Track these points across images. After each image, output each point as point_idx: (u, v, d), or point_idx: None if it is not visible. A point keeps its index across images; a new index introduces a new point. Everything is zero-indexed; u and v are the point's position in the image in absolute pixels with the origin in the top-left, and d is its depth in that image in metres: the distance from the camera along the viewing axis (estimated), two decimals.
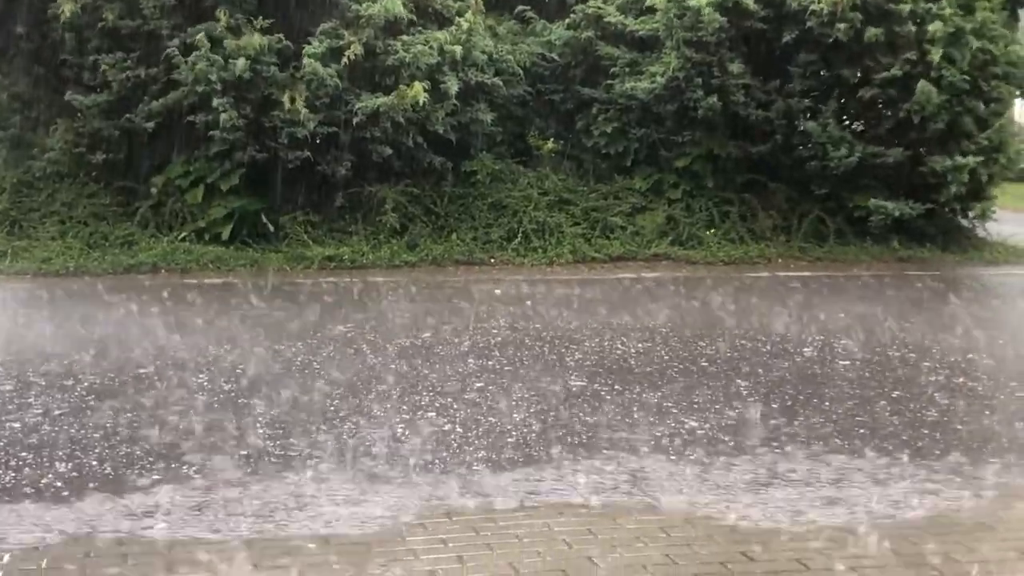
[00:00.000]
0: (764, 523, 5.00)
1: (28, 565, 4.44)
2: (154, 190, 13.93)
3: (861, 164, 14.53)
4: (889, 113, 14.78)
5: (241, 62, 13.17)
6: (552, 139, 16.27)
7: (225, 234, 13.67)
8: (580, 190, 15.21)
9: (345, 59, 13.59)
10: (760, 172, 15.32)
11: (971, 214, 15.71)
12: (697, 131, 15.06)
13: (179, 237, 13.64)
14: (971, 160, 14.45)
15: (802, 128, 14.82)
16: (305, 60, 13.41)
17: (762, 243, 14.88)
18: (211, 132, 13.38)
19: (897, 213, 14.52)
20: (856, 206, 14.84)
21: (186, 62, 13.32)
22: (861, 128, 15.21)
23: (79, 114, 13.99)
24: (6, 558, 4.52)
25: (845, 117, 15.21)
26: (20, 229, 13.69)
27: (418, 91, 13.59)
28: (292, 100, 13.50)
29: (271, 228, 13.82)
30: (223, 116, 13.16)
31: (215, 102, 13.22)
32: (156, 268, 13.03)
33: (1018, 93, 15.46)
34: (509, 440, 6.36)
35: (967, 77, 14.27)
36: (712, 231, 14.92)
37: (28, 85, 14.54)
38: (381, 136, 13.80)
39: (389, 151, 13.90)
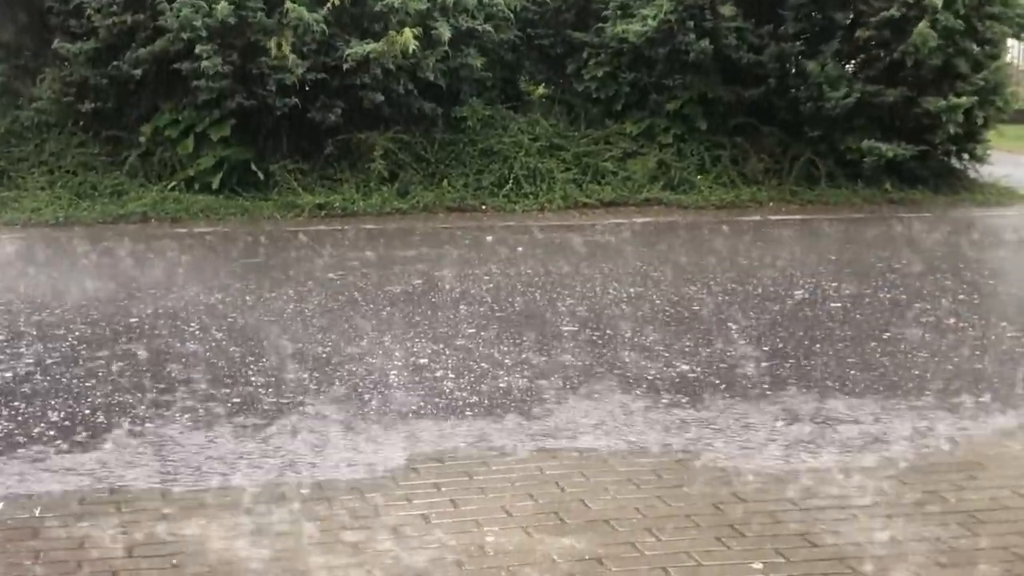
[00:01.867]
0: (756, 464, 5.02)
1: (22, 513, 4.45)
2: (143, 139, 13.85)
3: (857, 105, 14.46)
4: (883, 54, 14.69)
5: (223, 6, 13.00)
6: (543, 84, 16.15)
7: (215, 183, 13.61)
8: (571, 135, 15.14)
9: (330, 4, 13.47)
10: (752, 116, 15.25)
11: (966, 156, 15.66)
12: (689, 75, 14.96)
13: (169, 186, 13.58)
14: (966, 100, 14.39)
15: (799, 69, 14.73)
16: (288, 5, 13.28)
17: (753, 187, 14.84)
18: (197, 81, 13.28)
19: (891, 154, 14.47)
20: (849, 148, 14.79)
21: (171, 8, 13.20)
22: (854, 70, 15.13)
23: (66, 62, 13.87)
24: (1, 506, 4.52)
25: (839, 58, 15.12)
26: (8, 179, 13.62)
27: (408, 38, 13.48)
28: (279, 46, 13.39)
29: (261, 176, 13.76)
30: (206, 63, 13.05)
31: (199, 48, 13.11)
32: (146, 218, 12.99)
33: (1011, 33, 15.36)
34: (501, 385, 6.37)
35: (962, 20, 14.19)
36: (703, 175, 14.88)
37: (14, 33, 14.39)
38: (371, 83, 13.71)
39: (380, 98, 13.81)
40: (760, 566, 3.91)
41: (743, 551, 4.05)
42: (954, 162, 15.73)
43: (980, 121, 14.98)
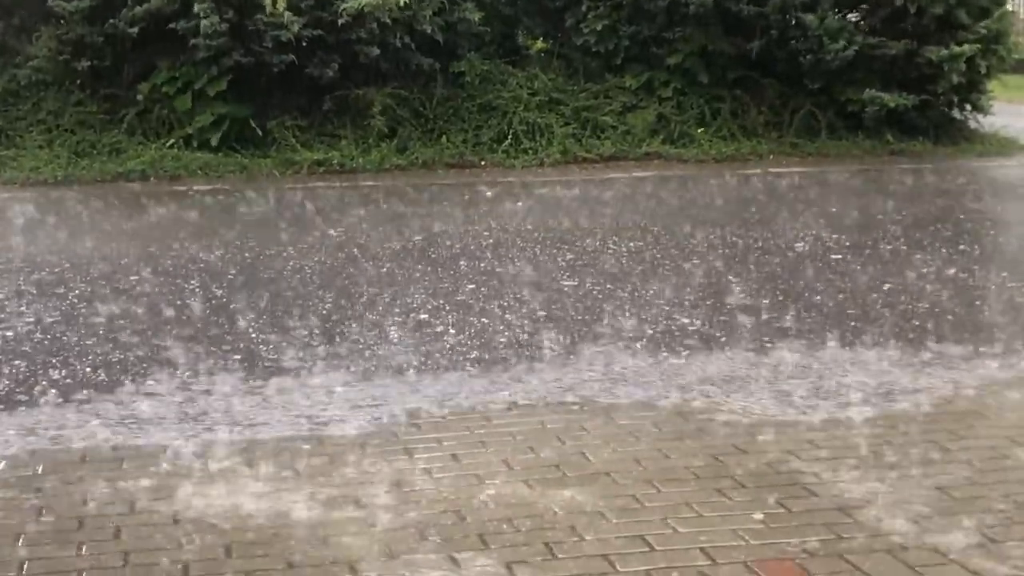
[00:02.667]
0: (756, 416, 5.03)
1: (23, 471, 4.46)
2: (140, 97, 13.79)
3: (857, 56, 14.39)
4: (884, 4, 14.60)
5: None
6: (541, 38, 16.09)
7: (213, 140, 13.58)
8: (570, 89, 15.07)
9: None
10: (752, 68, 15.17)
11: (968, 107, 15.60)
12: (689, 27, 14.88)
13: (167, 144, 13.55)
14: (968, 49, 14.32)
15: (798, 21, 14.65)
16: None
17: (753, 140, 14.80)
18: (195, 39, 13.21)
19: (892, 104, 14.40)
20: (849, 100, 14.73)
21: None
22: (856, 20, 15.04)
23: (62, 20, 13.79)
24: (1, 464, 4.54)
25: (839, 8, 15.03)
26: (7, 138, 13.58)
27: None
28: (274, 2, 13.32)
29: (259, 133, 13.72)
30: (204, 22, 12.99)
31: (196, 7, 13.04)
32: (145, 176, 12.96)
33: None
34: (501, 340, 6.38)
35: None
36: (703, 129, 14.83)
37: None
38: (367, 37, 13.65)
39: (376, 52, 13.74)
40: (761, 516, 3.93)
41: (744, 502, 4.06)
42: (955, 113, 15.66)
43: (982, 71, 14.91)
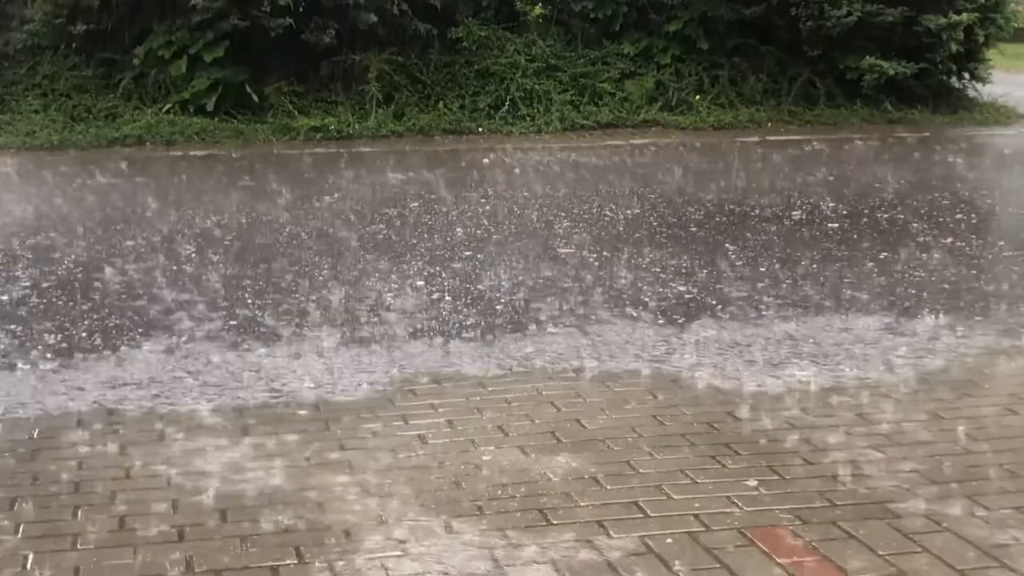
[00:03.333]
0: (751, 384, 5.03)
1: (19, 435, 4.46)
2: (136, 61, 13.73)
3: (857, 24, 14.33)
4: None
5: None
6: (539, 4, 16.00)
7: (209, 105, 13.52)
8: (568, 56, 15.01)
9: None
10: (751, 35, 15.11)
11: (966, 75, 15.56)
12: None
13: (163, 109, 13.51)
14: (966, 18, 14.27)
15: None
16: None
17: (752, 107, 14.76)
18: (192, 3, 13.14)
19: (891, 72, 14.37)
20: (848, 67, 14.69)
21: None
22: None
23: None
24: None
25: None
26: (2, 103, 13.54)
27: None
28: None
29: (256, 99, 13.67)
30: None
31: None
32: (141, 141, 12.93)
33: None
34: (497, 307, 6.37)
35: None
36: (701, 96, 14.79)
37: None
38: (365, 2, 13.58)
39: (374, 18, 13.68)
40: (755, 483, 3.93)
41: (738, 469, 4.07)
42: (954, 81, 15.63)
43: (980, 39, 14.87)
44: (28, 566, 3.35)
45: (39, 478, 4.05)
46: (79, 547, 3.48)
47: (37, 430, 4.52)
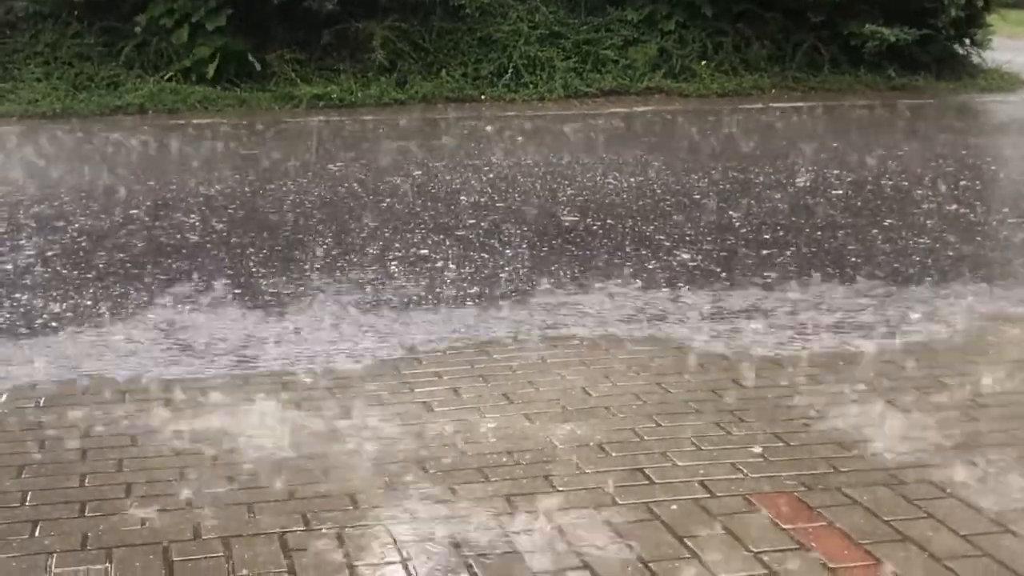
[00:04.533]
0: (755, 351, 5.04)
1: (25, 403, 4.48)
2: (138, 29, 13.68)
3: None
4: None
5: None
6: None
7: (211, 74, 13.48)
8: (571, 23, 14.94)
9: None
10: (755, 1, 15.03)
11: (968, 41, 15.51)
12: None
13: (165, 77, 13.47)
14: None
15: None
16: None
17: (756, 74, 14.71)
18: None
19: (893, 38, 14.31)
20: (851, 33, 14.63)
21: None
22: None
23: None
24: (3, 396, 4.55)
25: None
26: (4, 71, 13.50)
27: None
28: None
29: (258, 67, 13.62)
30: None
31: None
32: (143, 109, 12.91)
33: None
34: (502, 275, 6.38)
35: None
36: (705, 63, 14.73)
37: None
38: None
39: None
40: (759, 450, 3.94)
41: (743, 436, 4.08)
42: (956, 47, 15.57)
43: (981, 3, 14.81)
44: (36, 533, 3.36)
45: (46, 445, 4.06)
46: (86, 514, 3.50)
47: (43, 398, 4.53)
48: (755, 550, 3.22)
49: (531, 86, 14.06)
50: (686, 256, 6.74)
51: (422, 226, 7.50)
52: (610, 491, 3.62)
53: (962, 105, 13.88)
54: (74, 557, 3.22)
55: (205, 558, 3.21)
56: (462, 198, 8.40)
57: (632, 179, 9.13)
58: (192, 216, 7.85)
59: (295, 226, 7.55)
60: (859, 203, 8.15)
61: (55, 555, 3.23)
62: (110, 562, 3.18)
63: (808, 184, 8.88)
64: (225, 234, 7.36)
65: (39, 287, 6.18)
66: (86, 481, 3.75)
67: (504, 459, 3.89)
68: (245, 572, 3.12)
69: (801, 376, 4.72)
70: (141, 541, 3.32)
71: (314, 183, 8.98)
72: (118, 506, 3.56)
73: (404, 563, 3.17)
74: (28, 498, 3.62)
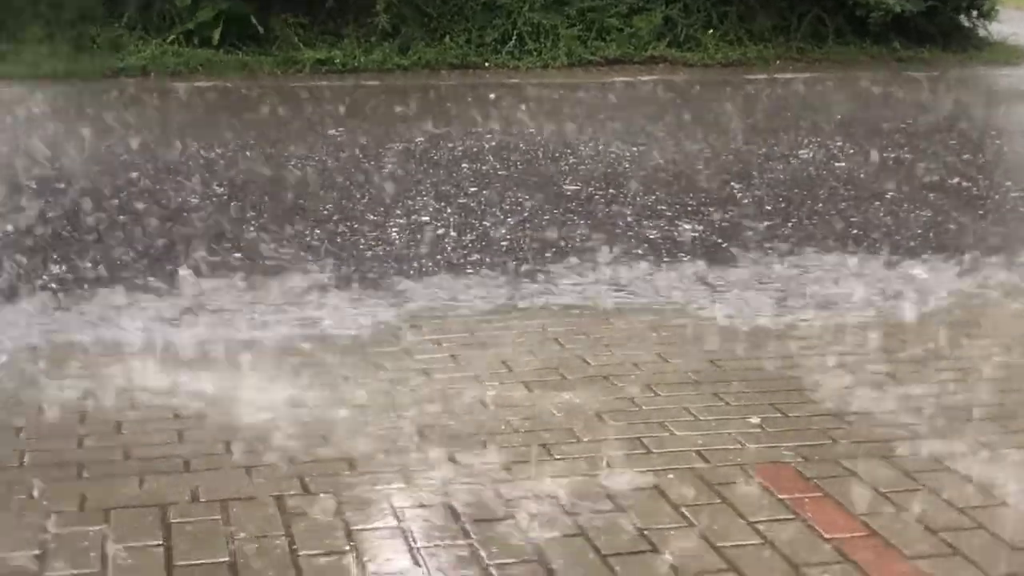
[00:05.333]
0: (754, 322, 5.04)
1: (24, 365, 4.48)
2: None
3: None
4: None
5: None
6: None
7: (214, 37, 13.44)
8: None
9: None
10: None
11: (974, 13, 15.44)
12: None
13: (168, 40, 13.42)
14: None
15: None
16: None
17: (760, 44, 14.65)
18: None
19: (899, 9, 14.25)
20: (857, 4, 14.56)
21: None
22: None
23: None
24: (3, 358, 4.56)
25: None
26: (7, 33, 13.44)
27: None
28: None
29: (261, 31, 13.58)
30: None
31: None
32: (145, 72, 12.87)
33: None
34: (503, 243, 6.37)
35: None
36: (710, 32, 14.67)
37: None
38: None
39: None
40: (757, 421, 3.95)
41: (741, 407, 4.08)
42: (962, 19, 15.50)
43: None
44: (35, 494, 3.37)
45: (44, 407, 4.07)
46: (84, 476, 3.51)
47: (42, 360, 4.54)
48: (751, 520, 3.23)
49: (535, 53, 14.01)
50: (688, 226, 6.73)
51: (423, 193, 7.49)
52: (607, 460, 3.63)
53: (967, 78, 13.83)
54: (72, 518, 3.23)
55: (203, 520, 3.21)
56: (464, 165, 8.38)
57: (635, 148, 9.11)
58: (192, 179, 7.83)
59: (296, 191, 7.54)
60: (862, 175, 8.14)
61: (53, 516, 3.23)
62: (108, 524, 3.19)
63: (811, 155, 8.86)
64: (225, 198, 7.35)
65: (39, 249, 6.17)
66: (84, 443, 3.76)
67: (502, 427, 3.90)
68: (243, 535, 3.13)
69: (800, 348, 4.72)
70: (139, 503, 3.33)
71: (315, 148, 8.96)
72: (116, 468, 3.56)
73: (401, 528, 3.18)
74: (26, 459, 3.63)
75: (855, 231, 6.63)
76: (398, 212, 6.99)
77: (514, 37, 14.12)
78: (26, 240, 6.36)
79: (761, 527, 3.19)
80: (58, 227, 6.62)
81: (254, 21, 13.53)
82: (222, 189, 7.60)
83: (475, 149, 8.98)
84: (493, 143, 9.26)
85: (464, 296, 5.40)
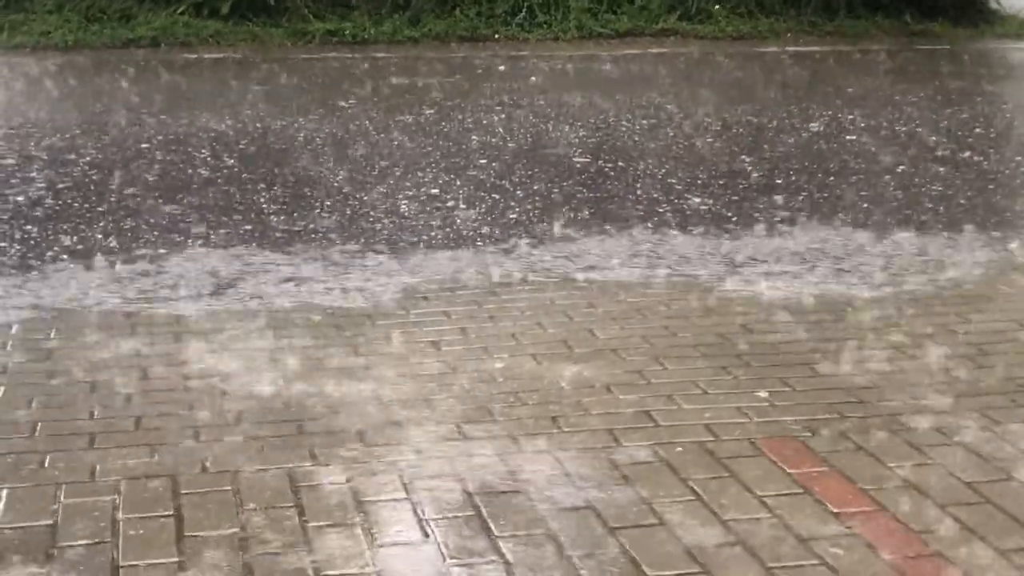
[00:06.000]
0: (764, 296, 5.04)
1: (37, 335, 4.50)
2: None
3: None
4: None
5: None
6: None
7: (225, 8, 13.39)
8: None
9: None
10: None
11: None
12: None
13: (178, 11, 13.38)
14: None
15: None
16: None
17: (771, 17, 14.57)
18: None
19: None
20: None
21: None
22: None
23: None
24: (13, 329, 4.57)
25: None
26: (16, 2, 13.42)
27: None
28: None
29: (271, 2, 13.53)
30: None
31: None
32: (156, 42, 12.84)
33: None
34: (512, 216, 6.37)
35: None
36: (721, 5, 14.59)
37: None
38: None
39: None
40: (765, 394, 3.96)
41: (749, 380, 4.09)
42: None
43: None
44: (46, 465, 3.39)
45: (55, 377, 4.09)
46: (95, 446, 3.52)
47: (53, 330, 4.56)
48: (759, 494, 3.24)
49: (545, 26, 13.95)
50: (697, 200, 6.72)
51: (432, 165, 7.48)
52: (616, 433, 3.64)
53: (980, 52, 13.76)
54: (83, 488, 3.25)
55: (213, 491, 3.23)
56: (473, 138, 8.37)
57: (645, 121, 9.09)
58: (203, 151, 7.84)
59: (305, 162, 7.54)
60: (873, 149, 8.11)
61: (64, 487, 3.25)
62: (119, 494, 3.21)
63: (821, 129, 8.83)
64: (236, 170, 7.36)
65: (49, 219, 6.19)
66: (95, 414, 3.78)
67: (511, 399, 3.91)
68: (253, 506, 3.15)
69: (809, 322, 4.72)
70: (150, 474, 3.34)
71: (325, 119, 8.95)
72: (127, 439, 3.58)
73: (410, 500, 3.19)
74: (38, 430, 3.65)
75: (865, 205, 6.62)
76: (407, 184, 6.99)
77: (524, 9, 14.06)
78: (36, 209, 6.37)
79: (769, 501, 3.20)
80: (67, 197, 6.63)
81: None
82: (232, 160, 7.60)
83: (484, 121, 8.97)
84: (503, 115, 9.24)
85: (473, 268, 5.41)
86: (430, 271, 5.36)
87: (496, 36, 13.78)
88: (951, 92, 10.71)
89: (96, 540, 2.97)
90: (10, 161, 7.48)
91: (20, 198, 6.61)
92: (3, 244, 5.74)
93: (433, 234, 5.98)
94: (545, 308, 4.87)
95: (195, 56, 12.35)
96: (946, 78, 11.76)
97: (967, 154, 8.00)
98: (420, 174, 7.24)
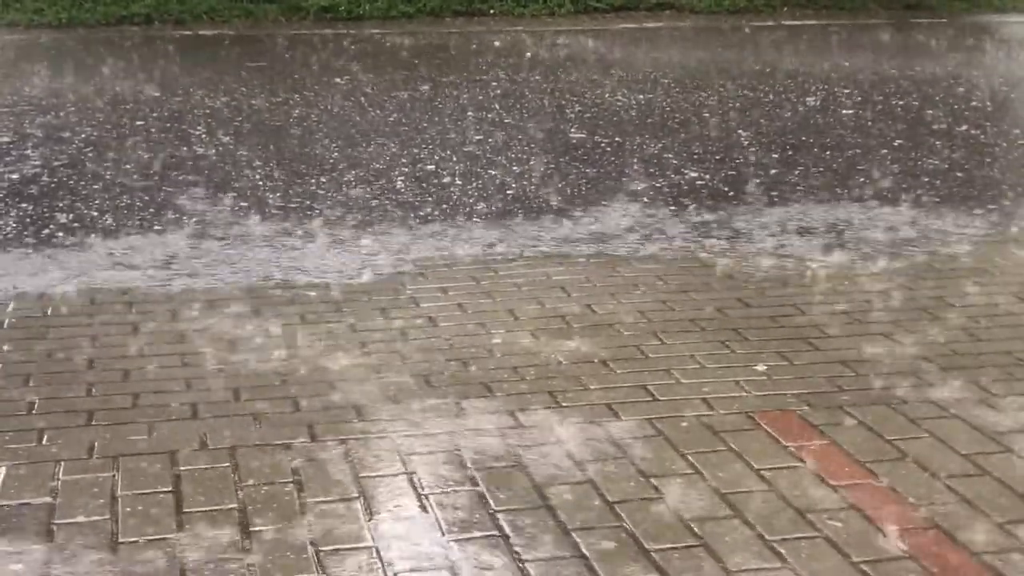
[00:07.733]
0: (761, 270, 5.04)
1: (32, 313, 4.49)
2: None
3: None
4: None
5: None
6: None
7: None
8: None
9: None
10: None
11: None
12: None
13: None
14: None
15: None
16: None
17: None
18: None
19: None
20: None
21: None
22: None
23: None
24: (10, 306, 4.57)
25: None
26: None
27: None
28: None
29: None
30: None
31: None
32: (149, 19, 12.80)
33: None
34: (508, 192, 6.36)
35: None
36: None
37: None
38: None
39: None
40: (763, 368, 3.96)
41: (747, 354, 4.09)
42: None
43: None
44: (44, 441, 3.39)
45: (53, 355, 4.08)
46: (93, 423, 3.52)
47: (51, 308, 4.55)
48: (757, 467, 3.24)
49: (540, 0, 13.91)
50: (694, 174, 6.71)
51: (428, 141, 7.47)
52: (614, 407, 3.64)
53: (977, 25, 13.73)
54: (81, 465, 3.25)
55: (211, 468, 3.23)
56: (469, 113, 8.35)
57: (641, 96, 9.07)
58: (198, 128, 7.82)
59: (301, 139, 7.52)
60: (869, 122, 8.10)
61: (62, 463, 3.25)
62: (117, 471, 3.21)
63: (818, 103, 8.82)
64: (231, 146, 7.34)
65: (45, 197, 6.17)
66: (93, 391, 3.78)
67: (508, 374, 3.91)
68: (251, 482, 3.15)
69: (806, 295, 4.72)
70: (148, 450, 3.34)
71: (320, 96, 8.93)
72: (125, 415, 3.58)
73: (409, 475, 3.19)
74: (36, 407, 3.65)
75: (861, 179, 6.61)
76: (403, 160, 6.98)
77: None
78: (31, 187, 6.35)
79: (767, 474, 3.20)
80: (63, 175, 6.61)
81: None
82: (227, 137, 7.58)
83: (480, 97, 8.95)
84: (498, 91, 9.22)
85: (470, 245, 5.40)
86: (426, 247, 5.35)
87: (491, 11, 13.74)
88: (948, 66, 10.69)
89: (95, 517, 2.97)
90: (5, 139, 7.46)
91: (15, 176, 6.59)
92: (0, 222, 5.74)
93: (429, 210, 5.97)
94: (542, 284, 4.86)
95: (189, 33, 12.30)
96: (943, 52, 11.73)
97: (964, 127, 7.98)
98: (415, 150, 7.23)
